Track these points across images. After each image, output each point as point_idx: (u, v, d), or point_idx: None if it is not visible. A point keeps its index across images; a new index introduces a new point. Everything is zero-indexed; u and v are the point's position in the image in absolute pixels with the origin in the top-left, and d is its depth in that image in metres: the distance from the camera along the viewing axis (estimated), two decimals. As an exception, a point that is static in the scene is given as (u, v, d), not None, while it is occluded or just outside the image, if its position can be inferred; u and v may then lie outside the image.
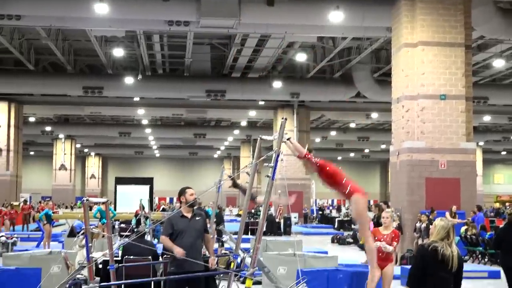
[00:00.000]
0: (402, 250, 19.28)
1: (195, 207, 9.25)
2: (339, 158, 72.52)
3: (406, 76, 20.12)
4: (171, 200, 63.12)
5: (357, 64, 30.61)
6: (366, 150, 65.40)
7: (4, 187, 36.89)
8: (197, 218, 9.09)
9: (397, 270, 13.78)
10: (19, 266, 13.46)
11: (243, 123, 49.59)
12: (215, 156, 72.09)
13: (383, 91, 28.94)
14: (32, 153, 66.58)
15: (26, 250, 18.26)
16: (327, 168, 8.67)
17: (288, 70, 34.25)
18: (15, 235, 18.04)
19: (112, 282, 9.75)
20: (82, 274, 12.73)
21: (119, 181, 48.26)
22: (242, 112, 42.30)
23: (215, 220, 19.03)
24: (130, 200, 40.64)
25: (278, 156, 7.48)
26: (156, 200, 55.64)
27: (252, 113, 41.79)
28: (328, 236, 32.53)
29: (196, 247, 8.92)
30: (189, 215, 8.97)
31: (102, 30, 24.53)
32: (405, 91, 20.17)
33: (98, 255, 11.66)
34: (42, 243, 23.65)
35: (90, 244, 7.62)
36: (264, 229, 7.99)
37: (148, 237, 17.49)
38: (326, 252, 19.73)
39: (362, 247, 25.24)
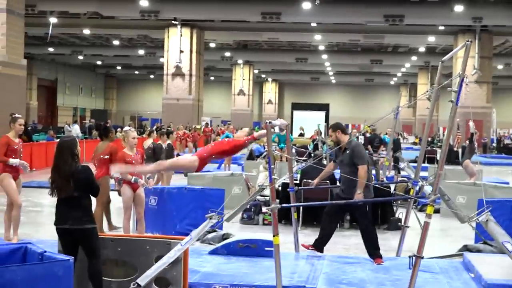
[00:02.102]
0: None
1: None
2: (523, 86, 69.12)
3: None
4: (347, 126, 63.20)
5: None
6: (552, 77, 61.82)
7: (187, 111, 38.40)
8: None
9: None
10: (203, 186, 14.16)
11: (421, 49, 48.23)
12: (392, 83, 70.95)
13: None
14: (212, 78, 68.68)
15: (208, 171, 19.08)
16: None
17: (471, -7, 32.76)
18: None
19: (292, 204, 10.05)
20: (262, 196, 13.20)
21: (296, 106, 49.17)
22: (420, 38, 41.15)
23: (392, 147, 18.93)
24: (307, 125, 41.27)
25: (462, 80, 7.24)
26: (331, 126, 56.02)
27: (431, 39, 40.54)
28: (508, 167, 31.43)
29: None
30: None
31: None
32: None
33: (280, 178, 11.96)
34: (222, 165, 24.63)
35: (272, 166, 7.82)
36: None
37: (325, 162, 17.70)
38: (507, 183, 19.09)
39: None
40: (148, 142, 16.75)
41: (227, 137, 24.90)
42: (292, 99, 69.34)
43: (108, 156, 11.17)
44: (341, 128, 10.08)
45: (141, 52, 50.77)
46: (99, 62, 62.68)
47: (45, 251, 6.09)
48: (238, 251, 9.61)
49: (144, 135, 24.08)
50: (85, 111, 68.25)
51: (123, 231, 10.51)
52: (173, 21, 36.86)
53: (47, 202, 16.45)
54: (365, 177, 9.37)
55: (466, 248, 10.53)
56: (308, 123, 39.24)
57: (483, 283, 7.97)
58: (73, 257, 6.02)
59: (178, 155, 17.08)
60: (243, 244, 9.69)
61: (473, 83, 35.95)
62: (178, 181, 16.67)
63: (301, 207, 12.57)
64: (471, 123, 19.03)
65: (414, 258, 7.26)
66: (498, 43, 41.52)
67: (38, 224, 13.36)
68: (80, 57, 56.20)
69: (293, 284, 7.93)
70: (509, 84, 65.01)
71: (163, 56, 40.61)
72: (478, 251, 10.31)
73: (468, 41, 7.59)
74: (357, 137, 31.31)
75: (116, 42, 48.52)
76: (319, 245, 9.97)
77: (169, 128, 20.51)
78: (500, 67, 50.92)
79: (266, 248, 9.40)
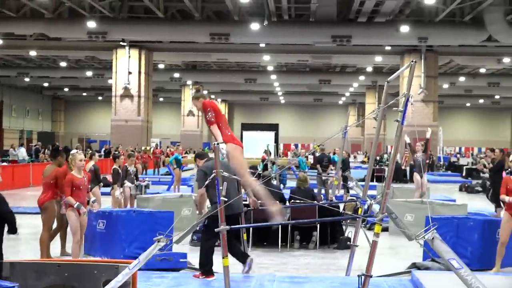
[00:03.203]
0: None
1: None
2: (468, 104, 70.51)
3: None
4: (296, 145, 63.55)
5: (489, 6, 29.39)
6: (497, 97, 63.14)
7: (136, 132, 38.17)
8: None
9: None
10: (152, 208, 14.06)
11: (369, 69, 48.91)
12: (340, 102, 71.65)
13: (517, 35, 27.71)
14: (161, 99, 68.49)
15: (158, 193, 18.97)
16: None
17: (416, 13, 33.31)
18: (147, 179, 18.74)
19: (241, 225, 10.03)
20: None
21: (245, 127, 49.32)
22: (367, 58, 41.68)
23: (341, 166, 19.09)
24: (255, 145, 41.37)
25: (407, 100, 7.34)
26: (281, 146, 56.21)
27: (378, 59, 41.11)
28: (455, 184, 31.92)
29: None
30: None
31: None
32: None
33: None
34: (172, 186, 24.50)
35: (221, 188, 7.81)
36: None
37: (274, 182, 17.74)
38: (454, 200, 19.40)
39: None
40: (90, 165, 16.60)
41: (176, 158, 24.84)
42: (241, 119, 69.54)
43: (53, 181, 11.05)
44: (199, 156, 10.72)
45: (89, 73, 50.37)
46: (46, 84, 61.94)
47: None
48: (156, 264, 9.88)
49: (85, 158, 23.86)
50: (32, 134, 67.32)
51: (72, 255, 10.39)
52: (121, 42, 36.70)
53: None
54: (200, 200, 9.83)
55: (414, 266, 10.64)
56: (258, 144, 39.34)
57: (431, 300, 8.06)
58: (18, 284, 5.89)
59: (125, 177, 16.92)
60: (160, 258, 9.97)
61: (419, 102, 36.52)
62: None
63: (250, 228, 12.55)
64: (428, 134, 19.32)
65: (363, 277, 7.30)
66: (443, 62, 42.31)
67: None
68: (27, 79, 55.42)
69: (243, 306, 7.90)
70: (454, 102, 66.35)
71: (111, 78, 40.36)
72: (426, 268, 10.42)
73: (412, 61, 7.71)
74: (306, 157, 31.51)
75: (63, 64, 48.09)
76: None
77: (116, 152, 20.38)
78: (445, 86, 51.88)
79: (181, 260, 10.24)
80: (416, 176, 19.24)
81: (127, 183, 16.31)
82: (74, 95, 71.81)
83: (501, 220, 10.92)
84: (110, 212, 12.18)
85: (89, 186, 15.65)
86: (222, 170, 8.01)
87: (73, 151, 11.30)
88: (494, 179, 16.61)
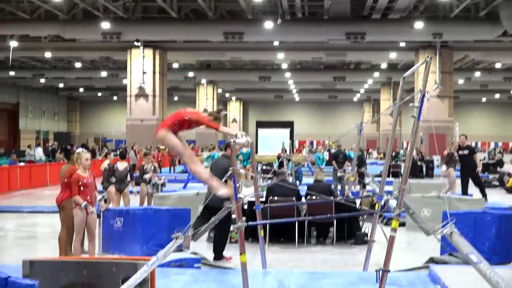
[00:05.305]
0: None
1: None
2: (483, 99, 70.17)
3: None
4: (312, 143, 63.46)
5: (504, 1, 29.21)
6: (513, 91, 62.85)
7: (151, 131, 38.07)
8: None
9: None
10: (169, 206, 14.10)
11: (383, 65, 48.75)
12: (355, 99, 71.50)
13: (533, 29, 27.53)
14: (176, 98, 68.57)
15: (174, 191, 19.01)
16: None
17: (430, 10, 33.19)
18: (163, 177, 18.78)
19: (258, 222, 10.05)
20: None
21: (260, 124, 49.17)
22: (382, 54, 41.57)
23: (356, 163, 19.06)
24: (270, 143, 41.36)
25: (423, 96, 7.33)
26: (296, 143, 56.19)
27: (393, 55, 40.99)
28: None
29: None
30: None
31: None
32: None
33: (247, 193, 11.95)
34: (188, 184, 24.57)
35: (237, 185, 7.84)
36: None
37: (290, 179, 17.75)
38: (471, 195, 19.33)
39: (509, 190, 24.55)
40: (105, 164, 16.71)
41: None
42: (256, 117, 69.49)
43: (68, 180, 11.11)
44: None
45: (104, 74, 50.55)
46: (61, 85, 62.26)
47: (9, 276, 6.00)
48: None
49: (100, 157, 24.03)
50: (48, 134, 67.68)
51: (73, 253, 10.48)
52: (135, 43, 36.81)
53: (11, 226, 16.26)
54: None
55: (432, 260, 10.62)
56: (273, 141, 39.34)
57: (450, 294, 8.06)
58: (38, 282, 5.94)
59: (138, 177, 17.02)
60: (175, 264, 10.04)
61: (435, 98, 36.38)
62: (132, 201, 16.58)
63: (267, 225, 12.57)
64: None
65: (381, 272, 7.30)
66: (458, 58, 42.14)
67: (2, 249, 13.16)
68: (42, 80, 55.72)
69: (261, 301, 7.92)
70: (470, 97, 66.02)
71: (126, 78, 40.47)
72: (444, 263, 10.39)
73: (428, 57, 7.69)
74: (322, 152, 31.47)
75: (78, 65, 48.30)
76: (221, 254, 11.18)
77: (121, 150, 20.58)
78: (461, 81, 51.66)
79: (195, 265, 10.28)
80: (452, 171, 19.91)
81: (146, 177, 16.41)
82: (89, 95, 72.11)
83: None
84: (127, 210, 12.23)
85: (104, 185, 15.85)
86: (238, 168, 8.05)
87: (79, 149, 11.36)
88: None
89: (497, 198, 22.15)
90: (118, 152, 19.57)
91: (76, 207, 10.23)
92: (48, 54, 41.17)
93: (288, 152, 25.05)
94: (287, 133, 42.08)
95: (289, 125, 46.52)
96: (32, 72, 50.92)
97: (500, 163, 39.83)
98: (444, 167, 20.78)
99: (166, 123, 8.63)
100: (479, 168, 20.17)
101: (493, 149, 57.47)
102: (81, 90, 66.19)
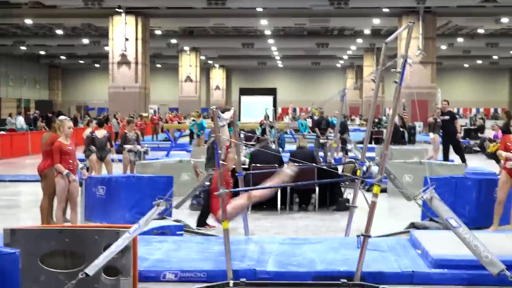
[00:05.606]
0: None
1: None
2: (466, 65, 70.28)
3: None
4: (294, 110, 63.46)
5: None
6: (495, 57, 62.85)
7: (134, 99, 38.07)
8: None
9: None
10: (152, 174, 14.09)
11: (367, 31, 48.63)
12: (338, 65, 71.39)
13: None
14: (158, 65, 68.19)
15: (157, 159, 19.00)
16: None
17: (414, -26, 33.12)
18: (146, 145, 18.73)
19: (240, 188, 10.08)
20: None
21: (243, 91, 49.06)
22: (365, 20, 41.44)
23: (339, 129, 19.12)
24: (253, 110, 41.30)
25: (405, 61, 7.33)
26: (279, 110, 56.17)
27: (376, 21, 40.85)
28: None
29: None
30: None
31: None
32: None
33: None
34: (171, 152, 24.55)
35: (220, 151, 7.83)
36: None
37: (273, 146, 17.78)
38: (452, 161, 19.46)
39: (489, 156, 24.72)
40: (87, 132, 16.65)
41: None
42: (239, 84, 69.30)
43: (50, 148, 11.04)
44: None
45: (86, 41, 50.07)
46: (42, 52, 61.65)
47: (-10, 245, 6.00)
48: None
49: (82, 125, 23.95)
50: (29, 103, 67.19)
51: (55, 221, 10.49)
52: (117, 9, 36.44)
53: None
54: None
55: (413, 226, 10.70)
56: (256, 108, 39.27)
57: (430, 259, 8.13)
58: (19, 250, 5.93)
59: (119, 144, 17.04)
60: (157, 231, 10.02)
61: (417, 64, 36.39)
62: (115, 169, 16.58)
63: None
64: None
65: (362, 237, 7.36)
66: (442, 23, 42.09)
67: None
68: (23, 48, 55.10)
69: (243, 267, 7.96)
70: (452, 64, 66.12)
71: (108, 45, 40.14)
72: (425, 228, 10.48)
73: (410, 22, 7.69)
74: (305, 119, 31.45)
75: (59, 32, 47.77)
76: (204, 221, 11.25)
77: (101, 118, 20.51)
78: (443, 47, 51.65)
79: (178, 232, 10.21)
80: (437, 137, 20.09)
81: (128, 147, 16.36)
82: (71, 63, 71.50)
83: (498, 179, 10.98)
84: (110, 178, 12.22)
85: (86, 153, 15.81)
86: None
87: (61, 117, 11.29)
88: None
89: (477, 163, 22.32)
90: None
91: (58, 176, 10.19)
92: (28, 21, 40.71)
93: (271, 119, 25.06)
94: (270, 100, 41.99)
95: (272, 92, 46.43)
96: (13, 39, 50.36)
97: (481, 128, 40.10)
98: (431, 134, 20.90)
99: None
100: (460, 134, 20.30)
101: (474, 115, 57.72)
102: (63, 57, 65.60)
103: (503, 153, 10.64)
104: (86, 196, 11.59)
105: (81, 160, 12.55)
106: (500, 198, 10.62)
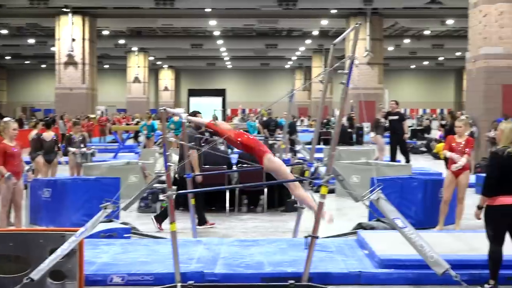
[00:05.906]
0: (476, 159, 19.08)
1: None
2: (413, 66, 71.27)
3: (484, -20, 19.44)
4: (243, 111, 63.54)
5: (432, -31, 29.67)
6: (441, 58, 63.89)
7: (81, 100, 37.61)
8: None
9: (472, 178, 13.70)
10: (99, 175, 13.94)
11: (315, 32, 48.89)
12: (287, 66, 71.66)
13: (460, -3, 27.98)
14: (106, 66, 67.51)
15: (104, 161, 18.82)
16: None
17: (361, -24, 33.43)
18: (93, 147, 18.51)
19: (189, 190, 10.03)
20: (160, 183, 13.11)
21: (192, 93, 49.06)
22: (313, 22, 41.67)
23: (288, 130, 19.20)
24: (203, 111, 41.24)
25: (352, 62, 7.39)
26: (228, 111, 56.16)
27: (324, 22, 41.13)
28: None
29: None
30: None
31: None
32: (482, -4, 19.52)
33: (174, 163, 11.92)
34: (119, 154, 24.33)
35: (168, 153, 7.78)
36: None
37: (222, 147, 17.77)
38: (399, 161, 19.71)
39: (435, 156, 25.13)
40: (33, 133, 16.41)
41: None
42: (188, 85, 69.10)
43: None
44: None
45: (31, 41, 49.29)
46: (-13, 53, 60.55)
47: None
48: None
49: (28, 127, 23.60)
50: (-26, 104, 65.98)
51: None
52: (63, 9, 35.92)
53: None
54: None
55: (360, 226, 10.80)
56: (205, 109, 39.19)
57: (376, 259, 8.23)
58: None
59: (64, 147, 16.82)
60: (104, 234, 9.89)
61: (365, 65, 36.77)
62: (60, 172, 16.34)
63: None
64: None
65: (310, 238, 7.39)
66: (388, 25, 42.59)
67: None
68: (-33, 48, 54.09)
69: (191, 270, 7.93)
70: (399, 65, 66.98)
71: (54, 45, 39.56)
72: (372, 228, 10.59)
73: (357, 23, 7.75)
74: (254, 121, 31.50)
75: (4, 31, 46.91)
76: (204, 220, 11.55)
77: (47, 119, 20.22)
78: (390, 48, 52.29)
79: (125, 235, 10.14)
80: (379, 138, 20.28)
81: (72, 150, 16.13)
82: (17, 64, 70.28)
83: (443, 179, 11.15)
84: (55, 180, 12.06)
85: (32, 155, 15.57)
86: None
87: (6, 119, 11.11)
88: None
89: (424, 164, 22.65)
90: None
91: (1, 179, 10.02)
92: (-28, 21, 39.95)
93: (219, 120, 25.02)
94: (219, 101, 42.03)
95: (221, 93, 46.52)
96: (-44, 39, 49.37)
97: (428, 129, 40.71)
98: (372, 134, 21.17)
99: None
100: (407, 135, 20.55)
101: (421, 116, 58.59)
102: (8, 58, 64.47)
103: (447, 153, 10.82)
104: (31, 199, 11.41)
105: (27, 163, 12.35)
106: (445, 198, 10.80)
